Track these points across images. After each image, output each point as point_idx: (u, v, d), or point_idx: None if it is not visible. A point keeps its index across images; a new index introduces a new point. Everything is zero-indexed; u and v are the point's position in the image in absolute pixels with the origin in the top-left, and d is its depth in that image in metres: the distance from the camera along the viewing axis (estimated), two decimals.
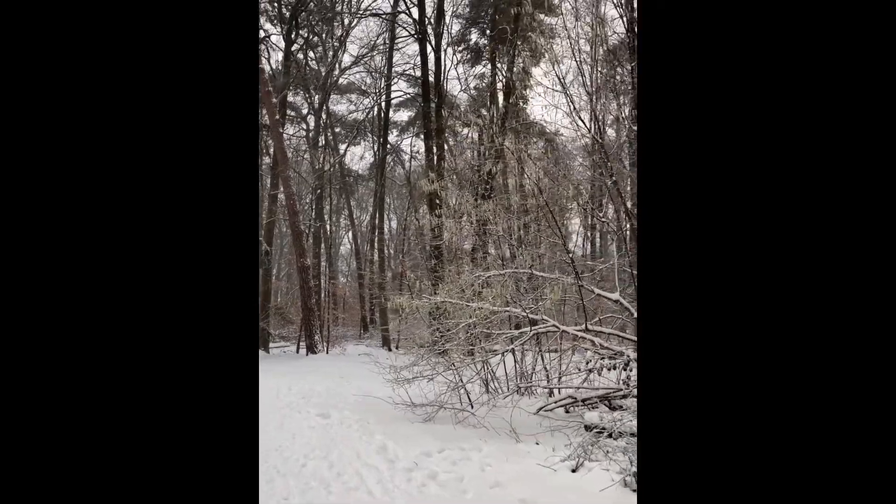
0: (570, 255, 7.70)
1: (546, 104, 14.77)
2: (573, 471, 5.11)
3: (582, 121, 7.89)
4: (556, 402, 8.43)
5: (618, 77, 9.87)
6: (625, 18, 11.79)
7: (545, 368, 9.47)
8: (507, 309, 7.27)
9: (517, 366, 9.54)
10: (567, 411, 8.59)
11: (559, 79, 7.42)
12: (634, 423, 5.57)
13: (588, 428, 6.59)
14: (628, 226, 7.94)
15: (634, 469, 4.53)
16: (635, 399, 8.46)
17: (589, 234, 15.45)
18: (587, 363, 7.28)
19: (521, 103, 19.49)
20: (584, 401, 8.53)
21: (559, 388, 7.90)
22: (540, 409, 8.40)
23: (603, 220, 8.55)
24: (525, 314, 7.21)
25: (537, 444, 6.48)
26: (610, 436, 5.68)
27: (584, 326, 7.93)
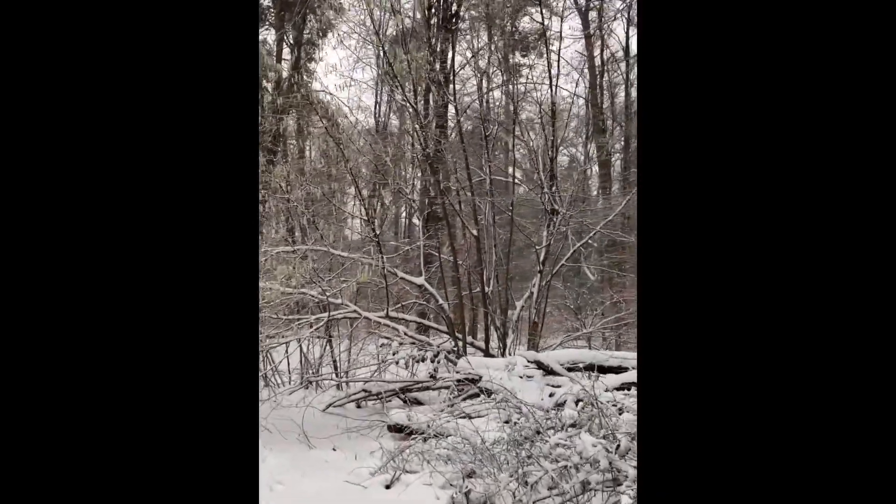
0: (377, 233, 6.82)
1: (353, 58, 13.36)
2: (387, 486, 4.25)
3: (400, 87, 7.01)
4: (347, 397, 7.54)
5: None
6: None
7: (334, 360, 8.52)
8: (303, 291, 6.17)
9: (304, 356, 8.45)
10: (359, 406, 7.77)
11: (374, 29, 6.47)
12: (454, 422, 4.88)
13: (394, 429, 5.78)
14: (442, 202, 7.28)
15: (467, 486, 3.80)
16: (436, 392, 7.89)
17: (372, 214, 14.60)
18: (394, 353, 6.47)
19: (304, 76, 18.18)
20: (378, 395, 7.77)
21: (351, 382, 7.01)
22: (329, 405, 7.45)
23: (409, 198, 7.79)
24: (325, 297, 6.19)
25: (334, 450, 5.52)
26: (424, 439, 4.92)
27: (385, 312, 7.12)
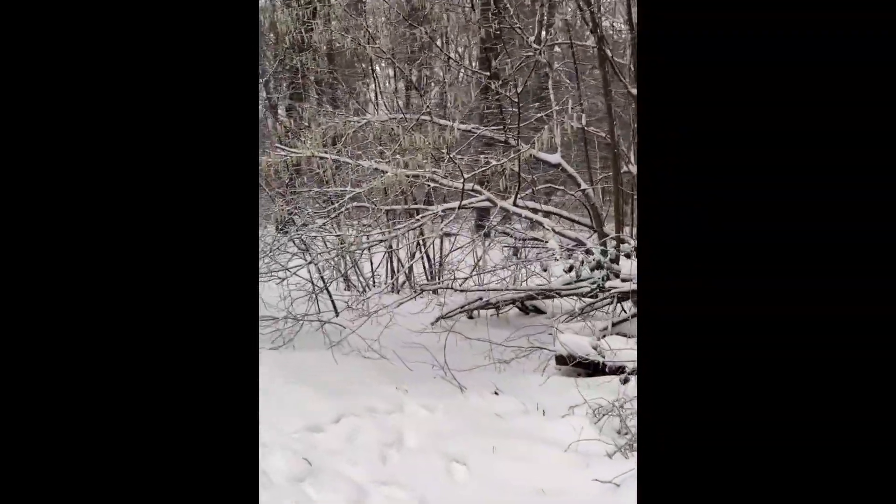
0: (503, 91, 4.94)
1: None
2: None
3: None
4: (460, 308, 6.01)
5: None
6: None
7: (426, 260, 6.91)
8: (433, 172, 4.42)
9: (391, 257, 6.83)
10: (471, 317, 6.28)
11: None
12: None
13: (566, 361, 4.19)
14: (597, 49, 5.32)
15: None
16: (558, 301, 6.34)
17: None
18: (553, 255, 4.78)
19: None
20: (496, 304, 6.25)
21: (492, 291, 5.40)
22: (440, 318, 5.92)
23: (535, 47, 5.72)
24: (462, 180, 4.43)
25: (496, 394, 3.97)
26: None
27: (512, 200, 5.39)
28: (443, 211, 4.62)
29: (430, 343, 4.82)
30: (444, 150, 4.26)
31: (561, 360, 4.25)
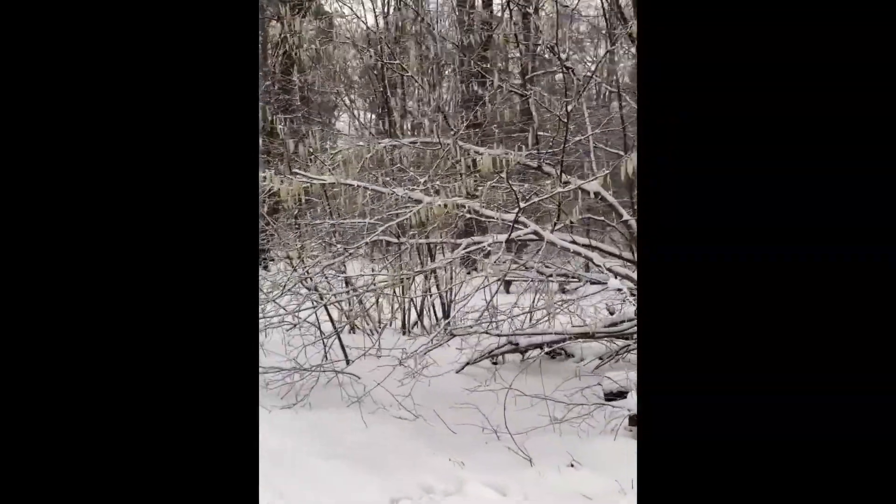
0: (553, 111, 4.40)
1: None
2: None
3: None
4: (488, 353, 5.44)
5: None
6: None
7: (443, 300, 6.28)
8: (480, 203, 3.81)
9: (409, 300, 6.17)
10: (494, 363, 5.69)
11: None
12: None
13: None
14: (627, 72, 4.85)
15: None
16: (584, 344, 5.78)
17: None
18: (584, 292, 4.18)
19: None
20: (524, 349, 5.70)
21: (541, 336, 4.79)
22: (467, 363, 5.32)
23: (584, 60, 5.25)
24: (517, 210, 3.83)
25: (572, 466, 3.30)
26: None
27: (550, 228, 4.80)
28: (489, 244, 3.99)
29: (466, 396, 4.17)
30: (504, 176, 3.66)
31: (635, 420, 3.61)
